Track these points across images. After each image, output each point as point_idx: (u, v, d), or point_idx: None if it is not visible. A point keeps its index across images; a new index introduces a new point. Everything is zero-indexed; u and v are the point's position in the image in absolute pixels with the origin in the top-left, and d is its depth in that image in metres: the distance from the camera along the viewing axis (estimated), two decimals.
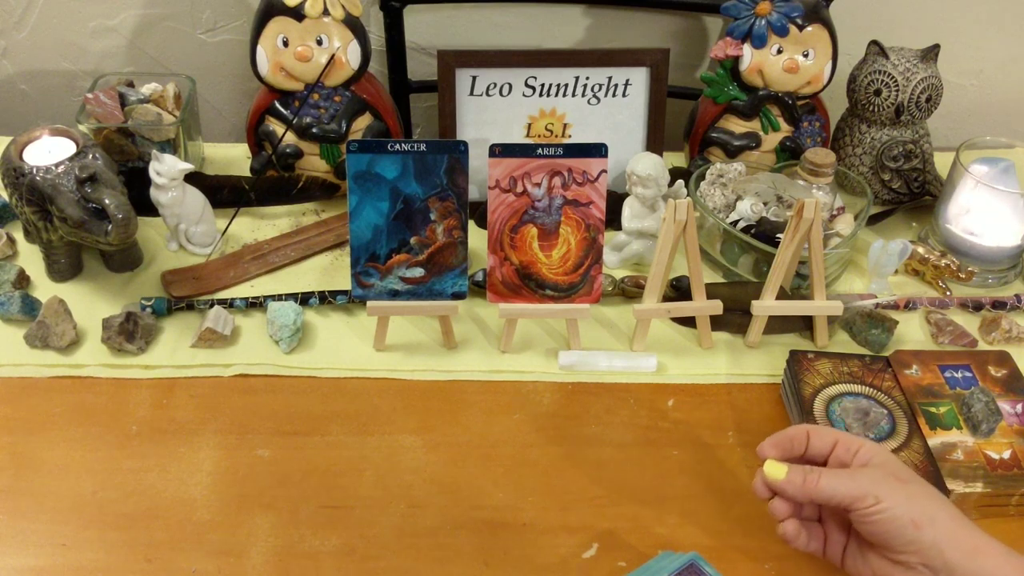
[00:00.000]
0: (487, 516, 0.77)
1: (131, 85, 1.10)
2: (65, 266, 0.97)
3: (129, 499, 0.77)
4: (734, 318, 0.94)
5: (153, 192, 0.98)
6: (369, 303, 0.89)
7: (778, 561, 0.74)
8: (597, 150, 0.85)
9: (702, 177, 1.05)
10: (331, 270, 1.01)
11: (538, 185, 0.86)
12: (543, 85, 1.06)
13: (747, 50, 1.06)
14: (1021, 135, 1.27)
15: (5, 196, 1.01)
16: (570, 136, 1.09)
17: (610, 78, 1.06)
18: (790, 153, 1.09)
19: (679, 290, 0.96)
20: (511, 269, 0.89)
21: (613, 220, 0.98)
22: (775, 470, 0.67)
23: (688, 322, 0.95)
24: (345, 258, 1.01)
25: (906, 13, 1.19)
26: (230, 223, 1.03)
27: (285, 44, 1.01)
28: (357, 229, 0.87)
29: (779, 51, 1.05)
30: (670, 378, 0.90)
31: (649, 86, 1.07)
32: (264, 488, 0.78)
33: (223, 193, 1.05)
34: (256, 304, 0.95)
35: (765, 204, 1.01)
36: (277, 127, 1.06)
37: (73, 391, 0.87)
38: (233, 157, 1.17)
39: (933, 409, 0.83)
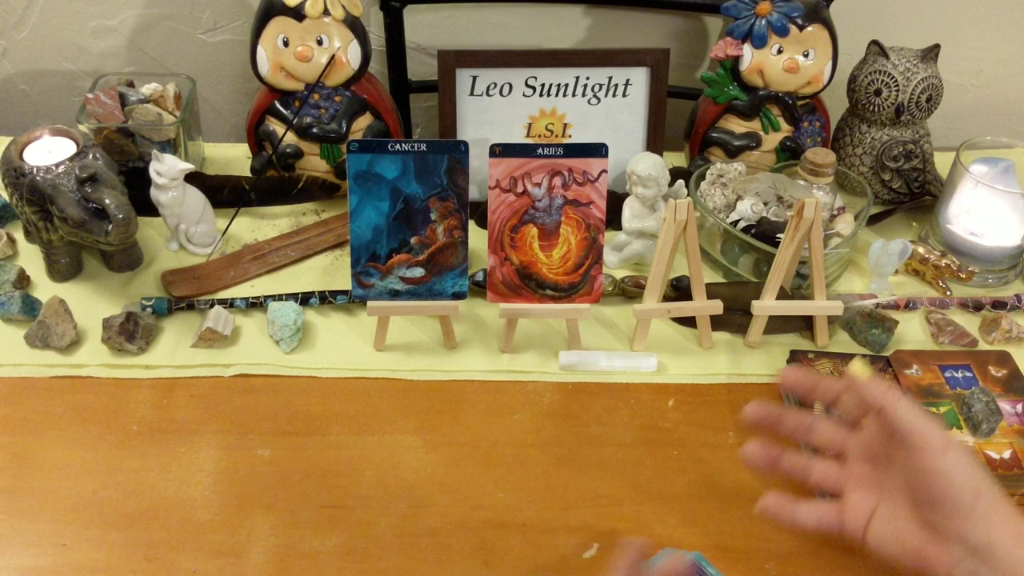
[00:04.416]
0: (487, 516, 0.77)
1: (131, 85, 1.10)
2: (65, 266, 0.97)
3: (129, 499, 0.77)
4: (734, 318, 0.94)
5: (153, 192, 0.98)
6: (369, 303, 0.89)
7: (779, 561, 0.74)
8: (597, 150, 0.85)
9: (702, 177, 1.05)
10: (331, 270, 1.01)
11: (538, 185, 0.86)
12: (543, 85, 1.06)
13: (747, 50, 1.06)
14: (1021, 135, 1.28)
15: (5, 196, 1.01)
16: (570, 136, 1.09)
17: (610, 78, 1.06)
18: (790, 153, 1.09)
19: (679, 290, 0.96)
20: (511, 269, 0.89)
21: (613, 220, 0.98)
22: (862, 369, 0.65)
23: (688, 322, 0.95)
24: (345, 258, 1.01)
25: (906, 13, 1.19)
26: (230, 223, 1.03)
27: (285, 44, 1.01)
28: (357, 229, 0.87)
29: (779, 51, 1.05)
30: (670, 378, 0.90)
31: (649, 86, 1.07)
32: (264, 488, 0.78)
33: (223, 193, 1.05)
34: (256, 304, 0.95)
35: (765, 204, 1.01)
36: (277, 127, 1.06)
37: (73, 391, 0.87)
38: (233, 157, 1.17)
39: (933, 409, 0.83)
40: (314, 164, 1.07)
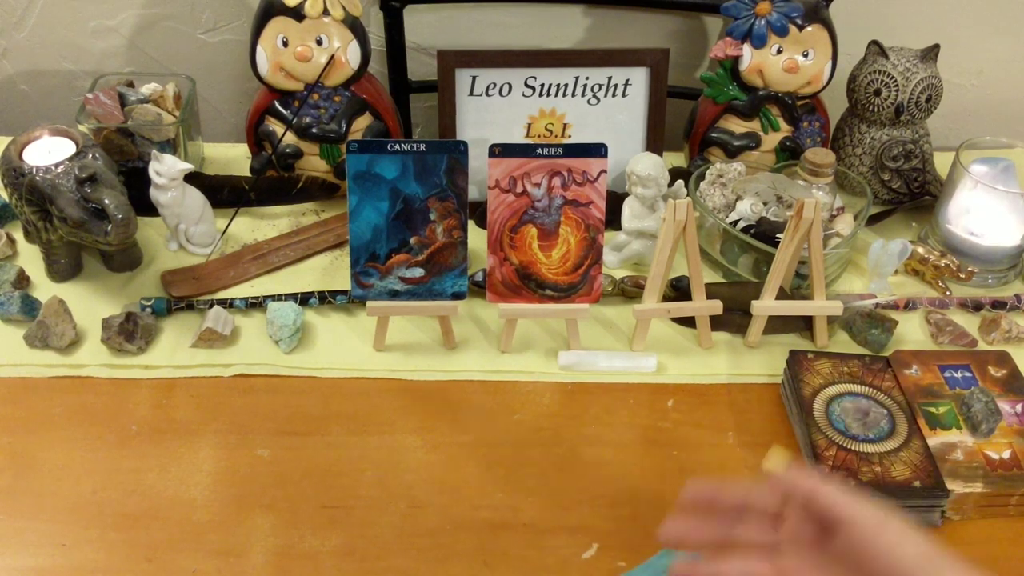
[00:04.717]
0: (487, 516, 0.77)
1: (131, 85, 1.10)
2: (65, 266, 0.97)
3: (129, 499, 0.77)
4: (734, 318, 0.94)
5: (153, 192, 0.98)
6: (369, 303, 0.89)
7: None
8: (597, 150, 0.85)
9: (702, 177, 1.05)
10: (331, 270, 1.01)
11: (538, 185, 0.86)
12: (543, 85, 1.06)
13: (747, 50, 1.06)
14: (1021, 135, 1.27)
15: (5, 196, 1.01)
16: (570, 136, 1.09)
17: (610, 78, 1.06)
18: (790, 153, 1.09)
19: (679, 290, 0.96)
20: (511, 269, 0.89)
21: (613, 220, 0.98)
22: (779, 459, 0.60)
23: (688, 322, 0.95)
24: (345, 258, 1.01)
25: (906, 13, 1.19)
26: (230, 223, 1.03)
27: (285, 44, 1.01)
28: (357, 229, 0.87)
29: (779, 51, 1.05)
30: (670, 378, 0.90)
31: (649, 86, 1.07)
32: (264, 488, 0.78)
33: (223, 193, 1.05)
34: (256, 304, 0.95)
35: (765, 204, 1.01)
36: (277, 127, 1.06)
37: (73, 391, 0.87)
38: (233, 157, 1.17)
39: (933, 409, 0.83)
40: (314, 164, 1.07)
